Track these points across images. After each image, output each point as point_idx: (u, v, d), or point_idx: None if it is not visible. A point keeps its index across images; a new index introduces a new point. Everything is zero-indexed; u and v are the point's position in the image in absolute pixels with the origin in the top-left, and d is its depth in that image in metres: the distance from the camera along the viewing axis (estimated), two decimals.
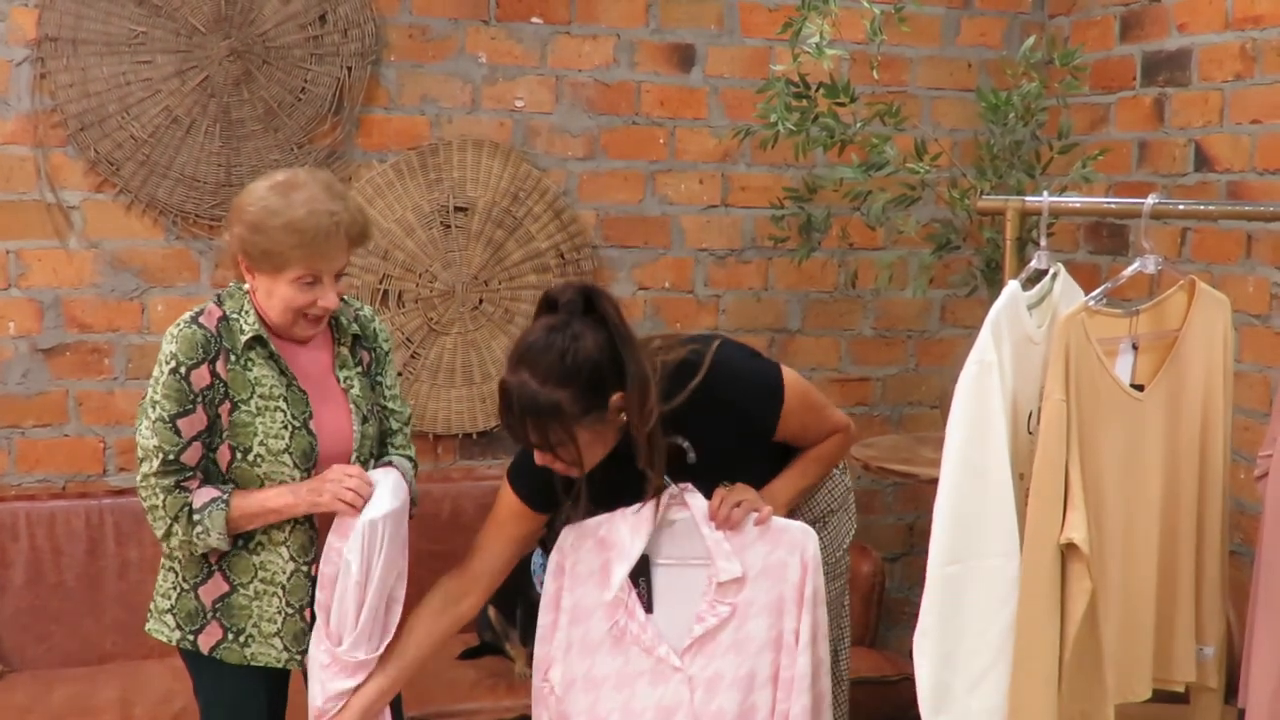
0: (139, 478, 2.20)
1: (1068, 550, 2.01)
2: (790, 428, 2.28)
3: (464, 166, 3.50)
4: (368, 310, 2.42)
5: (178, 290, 3.35)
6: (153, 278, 3.34)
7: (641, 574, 2.20)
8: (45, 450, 3.31)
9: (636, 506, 2.19)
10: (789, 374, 2.28)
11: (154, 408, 2.17)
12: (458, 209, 3.51)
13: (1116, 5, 3.57)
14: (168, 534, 2.17)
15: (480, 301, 3.56)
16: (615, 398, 2.09)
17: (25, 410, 3.28)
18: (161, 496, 2.16)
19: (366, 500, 2.20)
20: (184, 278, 3.36)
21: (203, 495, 2.16)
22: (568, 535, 2.26)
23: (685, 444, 2.20)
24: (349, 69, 3.38)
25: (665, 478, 2.18)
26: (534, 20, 3.52)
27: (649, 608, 2.20)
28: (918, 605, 2.06)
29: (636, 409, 2.09)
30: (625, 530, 2.19)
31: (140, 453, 2.19)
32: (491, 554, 2.31)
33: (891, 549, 3.92)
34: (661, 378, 2.14)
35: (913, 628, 2.07)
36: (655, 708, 2.20)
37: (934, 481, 2.06)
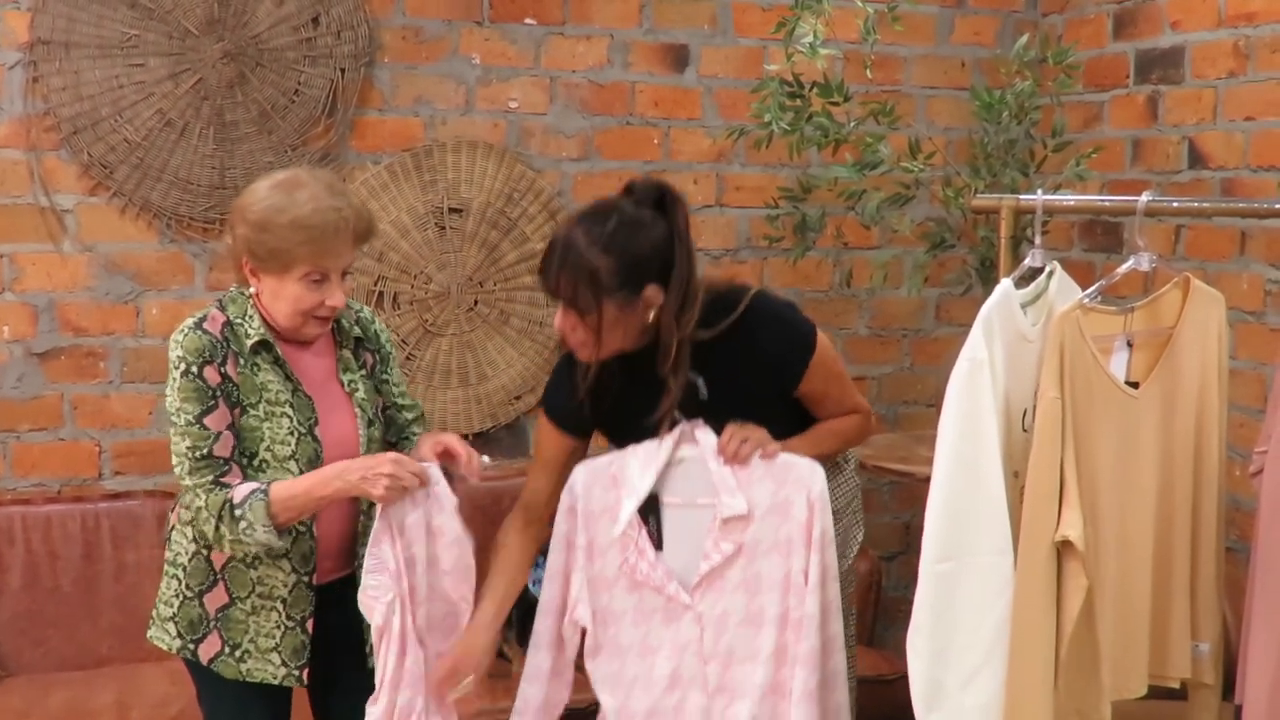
0: (182, 490, 2.16)
1: (1063, 548, 2.01)
2: (813, 387, 2.27)
3: (458, 168, 3.50)
4: (367, 312, 2.41)
5: (172, 293, 3.34)
6: (147, 281, 3.33)
7: (651, 512, 2.20)
8: (40, 454, 3.30)
9: (647, 443, 2.20)
10: (822, 335, 2.29)
11: (178, 416, 2.13)
12: (452, 210, 3.51)
13: (1109, 3, 3.58)
14: (217, 535, 2.12)
15: (475, 303, 3.56)
16: (651, 289, 2.12)
17: (20, 414, 3.28)
18: (203, 496, 2.11)
19: (419, 484, 2.17)
20: (178, 280, 3.35)
21: (242, 490, 2.11)
22: (579, 474, 2.26)
23: (699, 380, 2.20)
24: (343, 71, 3.38)
25: (676, 413, 2.18)
26: (527, 21, 3.52)
27: (659, 546, 2.21)
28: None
29: (675, 311, 2.14)
30: (635, 466, 2.20)
31: (176, 465, 2.15)
32: (535, 486, 2.37)
33: (888, 548, 3.92)
34: (701, 304, 2.17)
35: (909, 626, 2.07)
36: (670, 644, 2.22)
37: (930, 480, 2.07)
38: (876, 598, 3.51)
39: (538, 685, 2.31)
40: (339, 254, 2.17)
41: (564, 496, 2.27)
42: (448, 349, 3.55)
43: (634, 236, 2.12)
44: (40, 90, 3.21)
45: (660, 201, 2.16)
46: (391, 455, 2.17)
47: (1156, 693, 2.24)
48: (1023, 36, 3.31)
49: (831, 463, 2.40)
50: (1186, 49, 3.30)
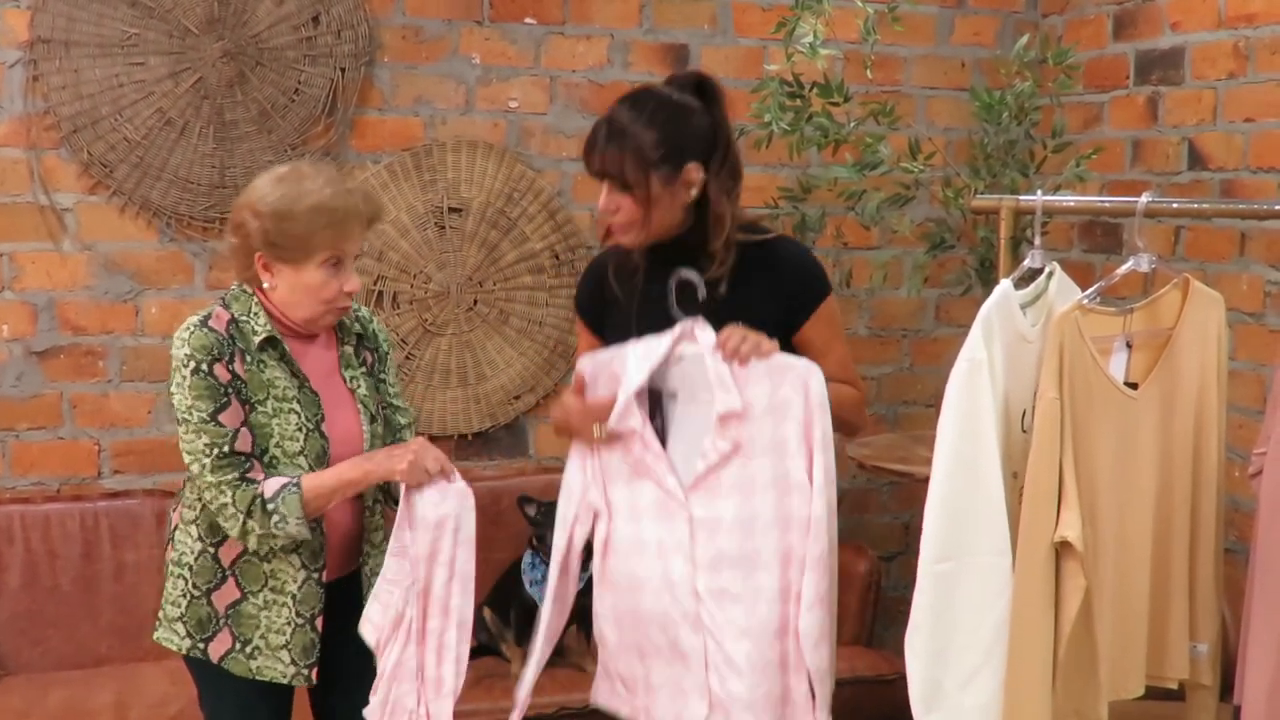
0: (202, 487, 2.14)
1: (1062, 548, 2.01)
2: (816, 336, 2.26)
3: (458, 167, 3.50)
4: (365, 311, 2.42)
5: (171, 292, 3.34)
6: (146, 280, 3.33)
7: (656, 409, 2.21)
8: (40, 453, 3.30)
9: (647, 338, 2.20)
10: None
11: (190, 414, 2.12)
12: (452, 210, 3.51)
13: (1109, 4, 3.58)
14: (244, 530, 2.12)
15: (475, 302, 3.56)
16: (692, 167, 2.18)
17: (19, 413, 3.28)
18: (229, 493, 2.11)
19: (439, 469, 2.22)
20: (178, 280, 3.35)
21: (273, 484, 2.12)
22: (583, 367, 2.27)
23: (697, 278, 2.22)
24: (343, 70, 3.38)
25: (678, 311, 2.21)
26: (527, 21, 3.52)
27: (663, 443, 2.20)
28: None
29: (724, 185, 2.22)
30: (633, 360, 2.19)
31: (192, 463, 2.14)
32: None
33: (887, 548, 3.92)
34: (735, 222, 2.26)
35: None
36: (657, 544, 2.20)
37: (929, 480, 2.07)
38: (875, 598, 3.51)
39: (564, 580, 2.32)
40: (355, 237, 2.21)
41: (577, 376, 2.28)
42: (447, 349, 3.55)
43: (676, 113, 2.20)
44: (40, 89, 3.21)
45: (700, 88, 2.25)
46: (419, 439, 2.24)
47: (1154, 693, 2.24)
48: (1023, 37, 3.31)
49: None
50: (1186, 50, 3.30)
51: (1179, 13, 3.32)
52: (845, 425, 2.30)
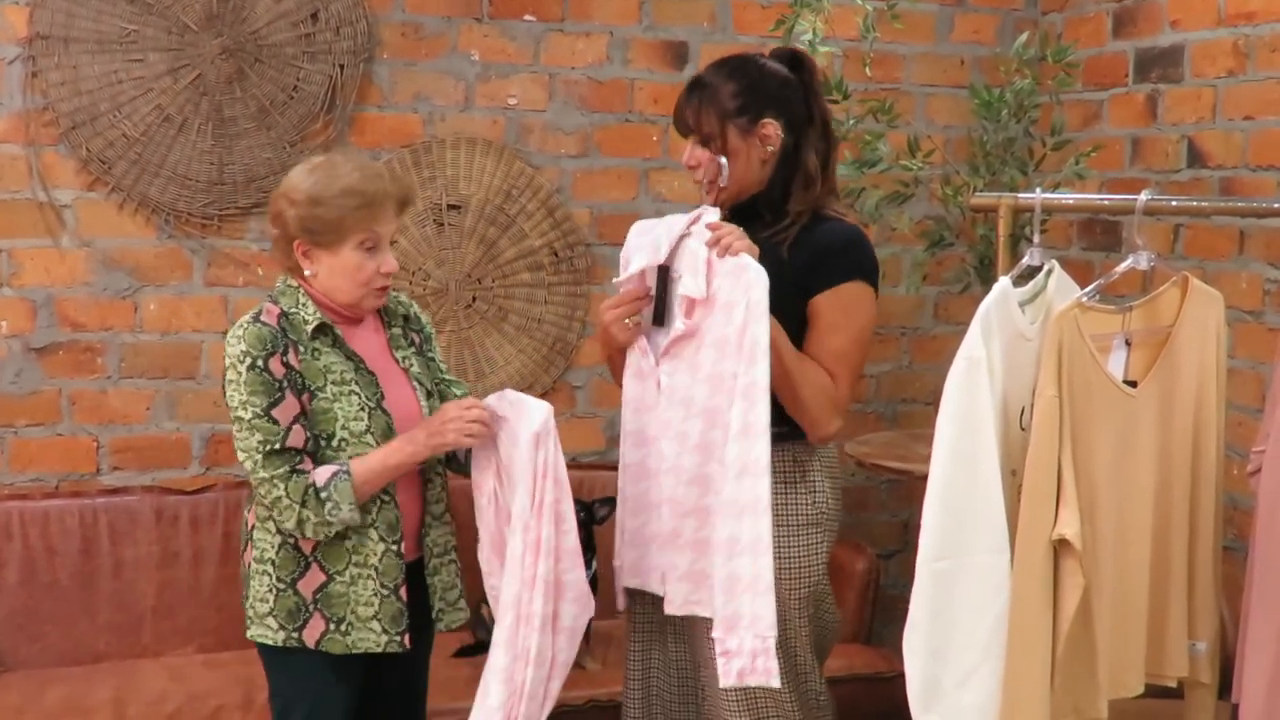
0: (255, 483, 2.21)
1: (1060, 546, 2.01)
2: (823, 313, 2.25)
3: (457, 164, 3.49)
4: (404, 296, 2.49)
5: (170, 289, 3.34)
6: (145, 276, 3.33)
7: (664, 284, 2.29)
8: (38, 449, 3.30)
9: (678, 214, 2.31)
10: (870, 303, 2.30)
11: (245, 410, 2.18)
12: (451, 207, 3.51)
13: (1109, 2, 3.58)
14: (300, 519, 2.18)
15: (474, 300, 3.55)
16: (769, 123, 2.27)
17: (18, 409, 3.27)
18: (281, 486, 2.17)
19: (493, 424, 2.28)
20: (176, 276, 3.35)
21: (323, 473, 2.19)
22: (632, 234, 2.37)
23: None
24: (342, 67, 3.37)
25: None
26: (527, 18, 3.52)
27: (662, 314, 2.30)
28: None
29: (818, 141, 2.31)
30: (664, 235, 2.29)
31: (245, 460, 2.21)
32: None
33: (886, 546, 3.92)
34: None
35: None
36: (639, 399, 2.33)
37: (928, 478, 2.06)
38: (874, 596, 3.51)
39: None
40: (388, 219, 2.28)
41: (624, 253, 2.37)
42: (446, 346, 3.54)
43: (757, 71, 2.31)
44: (39, 85, 3.21)
45: (794, 61, 2.35)
46: (447, 405, 2.30)
47: (1153, 691, 2.24)
48: (1022, 35, 3.31)
49: (800, 474, 2.33)
50: (1186, 48, 3.30)
51: (1179, 10, 3.32)
52: (803, 410, 2.22)
